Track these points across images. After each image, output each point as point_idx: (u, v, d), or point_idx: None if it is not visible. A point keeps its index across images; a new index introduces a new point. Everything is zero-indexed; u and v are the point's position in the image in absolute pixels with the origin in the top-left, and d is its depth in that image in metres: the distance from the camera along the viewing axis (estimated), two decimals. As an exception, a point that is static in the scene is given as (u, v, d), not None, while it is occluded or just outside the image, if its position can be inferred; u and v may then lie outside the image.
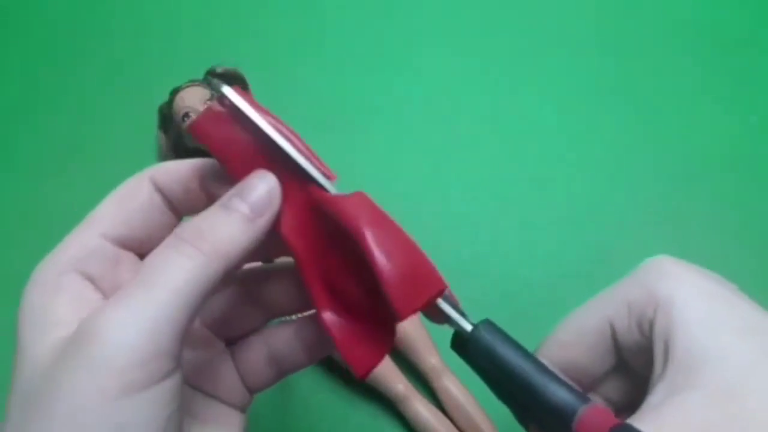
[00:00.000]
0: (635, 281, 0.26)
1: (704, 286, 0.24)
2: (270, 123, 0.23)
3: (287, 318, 0.27)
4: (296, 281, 0.26)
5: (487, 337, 0.24)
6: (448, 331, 0.25)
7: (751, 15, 0.54)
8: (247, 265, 0.27)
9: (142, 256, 0.24)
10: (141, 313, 0.20)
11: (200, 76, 0.46)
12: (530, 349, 0.25)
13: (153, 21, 0.54)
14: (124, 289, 0.21)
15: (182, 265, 0.21)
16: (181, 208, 0.25)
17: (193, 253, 0.21)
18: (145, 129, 0.48)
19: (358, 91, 0.51)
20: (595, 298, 0.27)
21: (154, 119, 0.47)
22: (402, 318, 0.22)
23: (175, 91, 0.45)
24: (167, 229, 0.24)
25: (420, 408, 0.39)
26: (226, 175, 0.24)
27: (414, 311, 0.22)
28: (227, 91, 0.23)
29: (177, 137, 0.45)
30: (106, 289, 0.23)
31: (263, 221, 0.22)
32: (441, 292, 0.23)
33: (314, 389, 0.41)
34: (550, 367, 0.25)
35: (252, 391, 0.27)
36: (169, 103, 0.45)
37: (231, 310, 0.26)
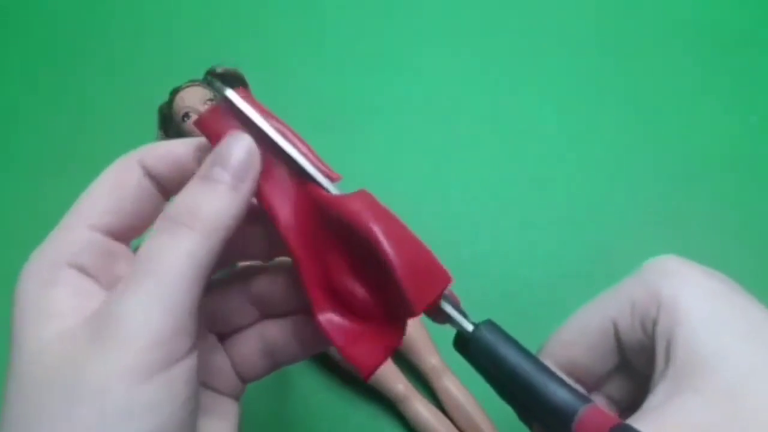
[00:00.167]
0: (639, 280, 0.26)
1: (708, 285, 0.24)
2: (272, 125, 0.23)
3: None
4: (292, 279, 0.26)
5: (489, 337, 0.24)
6: (448, 331, 0.25)
7: (751, 15, 0.54)
8: (243, 264, 0.27)
9: (130, 239, 0.24)
10: (153, 297, 0.20)
11: (200, 76, 0.45)
12: (531, 348, 0.25)
13: (153, 21, 0.54)
14: (131, 277, 0.21)
15: (181, 246, 0.21)
16: (173, 190, 0.24)
17: (188, 233, 0.21)
18: (145, 129, 0.48)
19: (358, 91, 0.51)
20: (598, 298, 0.27)
21: (154, 119, 0.47)
22: (417, 312, 0.22)
23: (175, 91, 0.45)
24: (157, 212, 0.24)
25: (420, 408, 0.39)
26: None
27: (428, 305, 0.22)
28: (230, 94, 0.23)
29: (177, 137, 0.45)
30: (102, 281, 0.23)
31: (247, 186, 0.22)
32: (448, 285, 0.23)
33: (314, 389, 0.41)
34: (552, 367, 0.25)
35: (245, 381, 0.27)
36: (169, 103, 0.45)
37: (224, 306, 0.26)
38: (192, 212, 0.22)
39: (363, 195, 0.23)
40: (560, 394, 0.23)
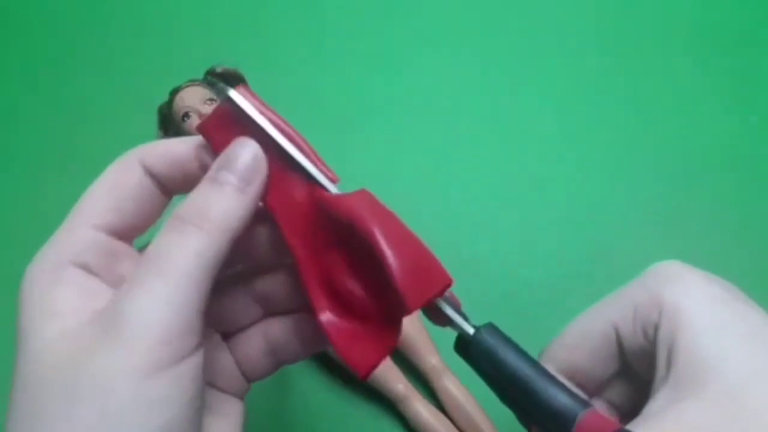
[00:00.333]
0: (641, 285, 0.26)
1: (710, 291, 0.24)
2: (275, 124, 0.23)
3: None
4: (294, 277, 0.26)
5: (489, 340, 0.24)
6: (448, 332, 0.25)
7: (751, 15, 0.54)
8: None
9: (132, 238, 0.24)
10: (161, 295, 0.20)
11: (200, 76, 0.45)
12: (532, 349, 0.25)
13: (153, 21, 0.54)
14: (139, 276, 0.21)
15: (189, 245, 0.21)
16: (174, 188, 0.25)
17: (196, 233, 0.21)
18: (145, 129, 0.48)
19: (358, 91, 0.51)
20: (600, 302, 0.27)
21: (154, 119, 0.47)
22: (410, 310, 0.22)
23: (175, 91, 0.45)
24: (158, 212, 0.25)
25: (420, 408, 0.39)
26: None
27: (423, 303, 0.22)
28: (233, 94, 0.23)
29: (177, 137, 0.45)
30: (107, 280, 0.23)
31: (254, 188, 0.23)
32: (448, 287, 0.23)
33: (314, 389, 0.41)
34: (553, 371, 0.25)
35: (250, 380, 0.27)
36: (169, 103, 0.45)
37: (229, 305, 0.26)
38: (201, 212, 0.22)
39: (363, 194, 0.23)
40: (560, 399, 0.23)
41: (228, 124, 0.23)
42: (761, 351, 0.22)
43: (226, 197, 0.22)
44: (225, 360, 0.26)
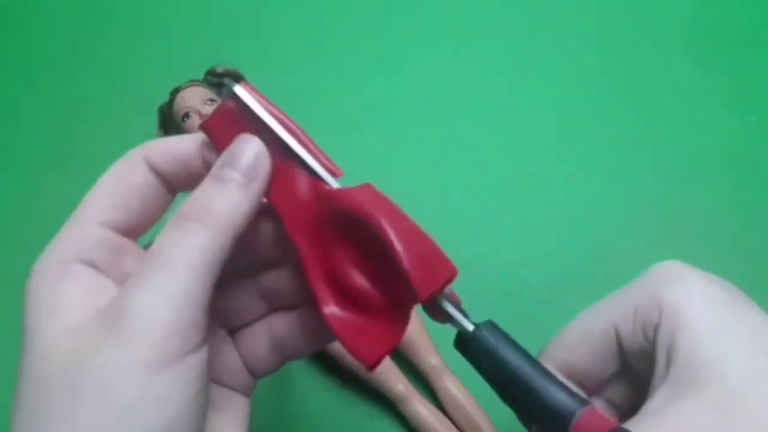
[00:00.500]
0: (642, 286, 0.26)
1: (710, 292, 0.24)
2: (279, 120, 0.24)
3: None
4: (298, 272, 0.26)
5: (489, 337, 0.24)
6: (448, 331, 0.25)
7: (751, 15, 0.54)
8: None
9: (137, 236, 0.25)
10: (165, 291, 0.20)
11: (200, 76, 0.45)
12: (531, 349, 0.25)
13: (153, 21, 0.54)
14: (144, 272, 0.21)
15: (193, 241, 0.21)
16: (179, 186, 0.25)
17: (200, 229, 0.22)
18: (145, 129, 0.48)
19: (358, 91, 0.51)
20: (601, 302, 0.27)
21: (154, 119, 0.47)
22: (422, 299, 0.22)
23: (175, 91, 0.45)
24: (163, 209, 0.25)
25: (420, 408, 0.39)
26: None
27: (433, 292, 0.23)
28: (239, 90, 0.23)
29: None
30: (113, 277, 0.23)
31: (257, 185, 0.23)
32: (455, 276, 0.23)
33: (314, 389, 0.41)
34: (552, 369, 0.25)
35: (255, 376, 0.27)
36: (169, 103, 0.45)
37: (234, 300, 0.27)
38: (204, 209, 0.22)
39: (368, 188, 0.24)
40: (559, 397, 0.23)
41: (231, 122, 0.24)
42: (761, 352, 0.22)
43: (229, 194, 0.22)
44: (231, 356, 0.27)
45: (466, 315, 0.24)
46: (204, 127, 0.24)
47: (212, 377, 0.26)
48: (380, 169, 0.48)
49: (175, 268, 0.21)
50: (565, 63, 0.52)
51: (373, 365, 0.24)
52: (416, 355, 0.40)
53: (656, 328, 0.24)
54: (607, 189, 0.47)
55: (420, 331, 0.40)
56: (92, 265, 0.23)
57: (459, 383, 0.40)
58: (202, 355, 0.21)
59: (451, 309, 0.24)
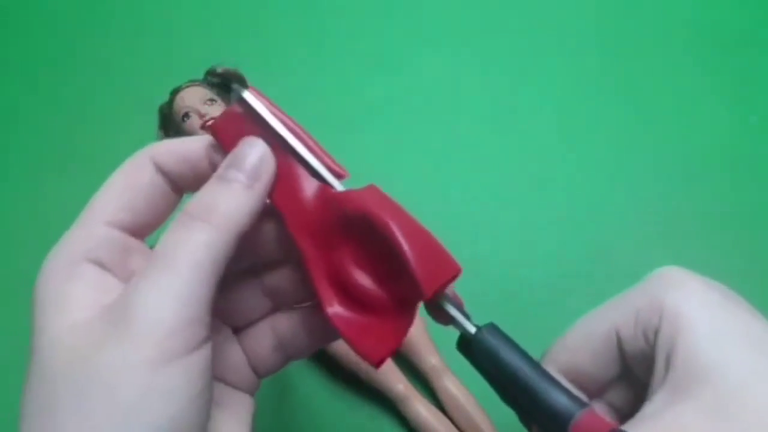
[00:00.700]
0: (643, 290, 0.26)
1: (711, 297, 0.24)
2: (285, 124, 0.24)
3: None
4: (302, 272, 0.26)
5: (490, 340, 0.24)
6: (448, 331, 0.25)
7: (751, 15, 0.54)
8: None
9: (145, 236, 0.25)
10: (169, 288, 0.21)
11: (200, 76, 0.46)
12: (532, 349, 0.25)
13: (153, 21, 0.54)
14: (148, 270, 0.21)
15: (197, 239, 0.22)
16: (186, 186, 0.25)
17: (205, 228, 0.22)
18: (145, 129, 0.48)
19: (358, 91, 0.51)
20: (603, 306, 0.27)
21: (154, 119, 0.47)
22: (427, 295, 0.23)
23: (175, 91, 0.45)
24: (170, 209, 0.25)
25: (420, 408, 0.39)
26: None
27: (438, 289, 0.23)
28: (247, 95, 0.24)
29: (177, 137, 0.45)
30: (120, 276, 0.23)
31: (261, 186, 0.23)
32: (458, 273, 0.24)
33: (314, 389, 0.41)
34: (553, 372, 0.25)
35: (259, 375, 0.27)
36: (169, 103, 0.45)
37: (239, 298, 0.27)
38: (209, 208, 0.22)
39: (373, 189, 0.24)
40: (558, 398, 0.23)
41: (238, 125, 0.24)
42: (760, 356, 0.22)
43: (234, 194, 0.23)
44: (235, 354, 0.27)
45: (468, 317, 0.25)
46: (212, 130, 0.24)
47: (217, 375, 0.26)
48: (380, 169, 0.48)
49: (179, 266, 0.21)
50: (565, 63, 0.52)
51: (379, 363, 0.24)
52: (416, 355, 0.40)
53: (656, 332, 0.24)
54: (607, 189, 0.47)
55: (420, 332, 0.40)
56: (100, 264, 0.23)
57: (459, 383, 0.40)
58: (205, 352, 0.21)
59: (453, 311, 0.24)
